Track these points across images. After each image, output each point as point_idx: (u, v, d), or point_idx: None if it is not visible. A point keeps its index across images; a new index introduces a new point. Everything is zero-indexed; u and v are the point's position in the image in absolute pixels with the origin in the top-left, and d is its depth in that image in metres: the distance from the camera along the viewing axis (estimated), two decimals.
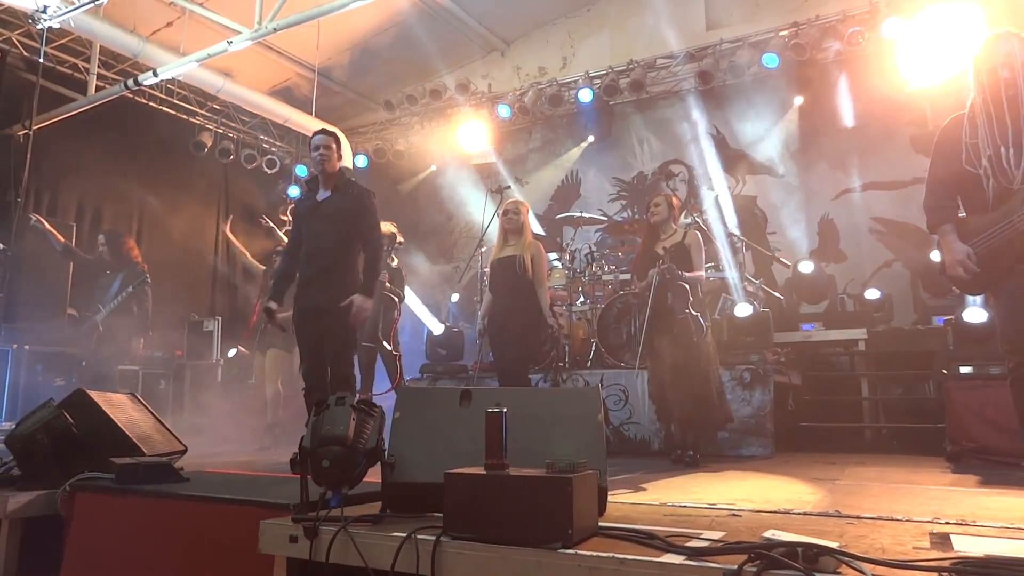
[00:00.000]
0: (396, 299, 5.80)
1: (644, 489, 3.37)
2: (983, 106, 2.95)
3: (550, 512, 1.85)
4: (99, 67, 7.70)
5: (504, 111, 8.79)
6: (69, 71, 7.80)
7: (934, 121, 6.93)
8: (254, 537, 2.27)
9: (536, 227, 7.91)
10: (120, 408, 3.53)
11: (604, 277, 6.83)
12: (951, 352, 4.98)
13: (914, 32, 6.50)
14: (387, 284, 5.62)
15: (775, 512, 2.59)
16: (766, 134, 8.04)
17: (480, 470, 2.02)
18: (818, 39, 7.19)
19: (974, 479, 3.76)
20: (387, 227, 5.60)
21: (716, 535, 2.02)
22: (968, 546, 1.92)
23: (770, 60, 7.37)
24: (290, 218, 10.30)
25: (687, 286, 4.57)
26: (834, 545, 1.68)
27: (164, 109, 8.71)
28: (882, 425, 6.18)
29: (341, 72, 9.36)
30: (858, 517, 2.44)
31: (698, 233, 4.94)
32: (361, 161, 9.84)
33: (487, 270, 6.42)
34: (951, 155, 3.05)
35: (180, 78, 7.91)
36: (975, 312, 4.96)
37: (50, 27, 5.81)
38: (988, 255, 2.97)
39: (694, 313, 4.55)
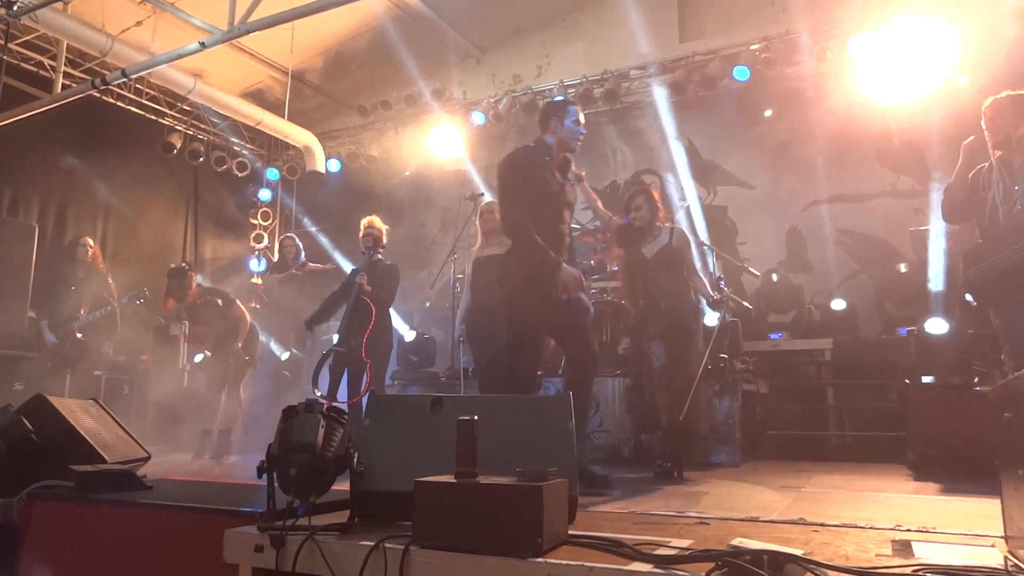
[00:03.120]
0: (372, 303, 5.21)
1: (613, 497, 3.38)
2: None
3: (520, 520, 1.85)
4: (66, 65, 7.56)
5: (479, 118, 8.80)
6: (34, 68, 7.64)
7: (899, 136, 7.10)
8: (218, 546, 2.23)
9: None
10: (81, 414, 3.45)
11: None
12: (914, 362, 5.08)
13: (881, 50, 6.64)
14: (366, 287, 5.15)
15: (742, 520, 2.62)
16: (737, 146, 8.15)
17: (450, 478, 2.01)
18: (788, 54, 7.32)
19: (935, 487, 3.84)
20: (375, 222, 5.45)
21: (684, 543, 2.04)
22: (929, 553, 1.96)
23: (741, 73, 7.48)
24: (261, 223, 10.24)
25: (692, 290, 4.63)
26: (799, 553, 1.70)
27: (132, 109, 8.57)
28: (847, 433, 6.28)
29: (315, 75, 9.30)
30: (823, 524, 2.47)
31: (683, 229, 4.89)
32: (334, 166, 9.77)
33: (460, 276, 6.40)
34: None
35: (150, 78, 7.79)
36: (937, 324, 5.07)
37: (15, 23, 5.68)
38: (997, 276, 3.40)
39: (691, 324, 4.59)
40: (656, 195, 4.90)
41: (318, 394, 4.81)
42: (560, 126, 3.86)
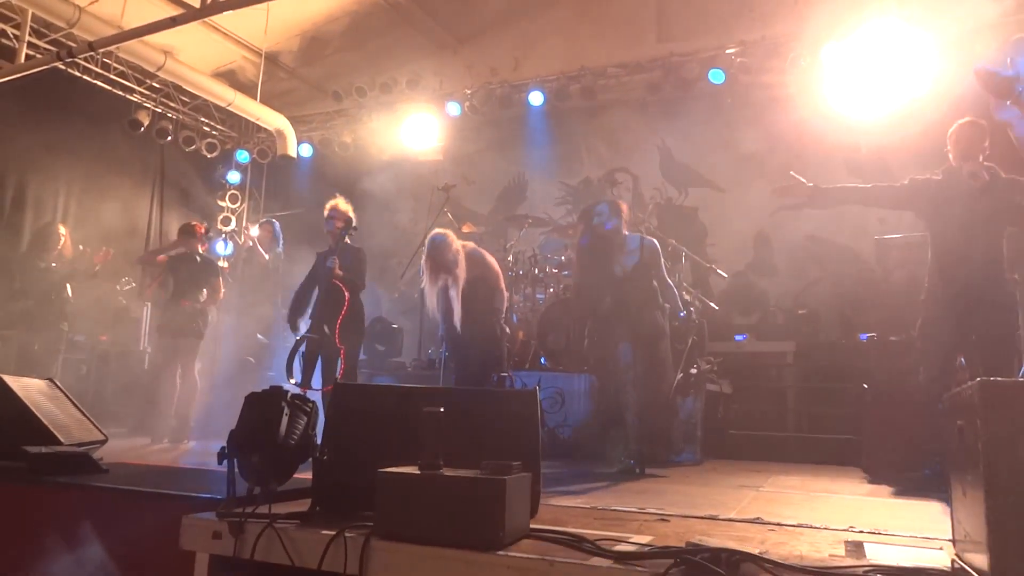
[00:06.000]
0: (344, 288, 5.03)
1: (576, 492, 3.40)
2: None
3: (482, 513, 1.85)
4: (30, 35, 7.32)
5: (454, 109, 8.75)
6: None
7: (866, 147, 7.22)
8: (175, 533, 2.20)
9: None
10: (37, 394, 3.37)
11: (546, 280, 6.87)
12: (871, 367, 5.19)
13: (852, 60, 6.73)
14: (338, 272, 4.99)
15: (701, 518, 2.66)
16: (710, 148, 8.23)
17: (414, 470, 2.00)
18: (762, 60, 7.39)
19: (888, 490, 3.94)
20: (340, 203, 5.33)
21: (644, 539, 2.06)
22: (880, 554, 2.01)
23: (716, 76, 7.54)
24: (229, 205, 10.07)
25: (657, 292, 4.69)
26: (756, 551, 1.73)
27: (99, 84, 8.32)
28: (805, 435, 6.40)
29: (289, 58, 9.15)
30: (779, 524, 2.52)
31: (654, 240, 4.91)
32: (306, 150, 9.64)
33: None
34: None
35: (118, 53, 7.59)
36: (895, 330, 5.18)
37: None
38: None
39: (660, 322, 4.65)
40: (624, 207, 4.90)
41: (292, 383, 4.74)
42: None
